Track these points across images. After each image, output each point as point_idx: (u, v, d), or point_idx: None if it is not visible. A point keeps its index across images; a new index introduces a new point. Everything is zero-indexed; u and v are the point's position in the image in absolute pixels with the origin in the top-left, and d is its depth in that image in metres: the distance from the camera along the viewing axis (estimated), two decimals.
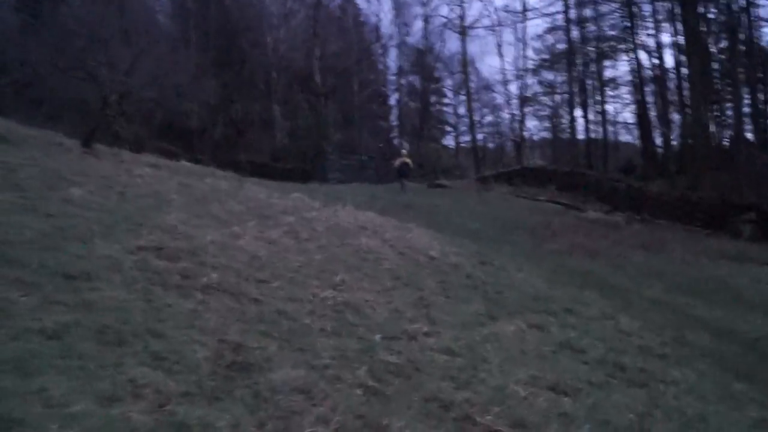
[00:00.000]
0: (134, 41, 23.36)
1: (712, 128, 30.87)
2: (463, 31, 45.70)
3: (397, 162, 25.59)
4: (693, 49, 30.01)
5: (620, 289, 10.56)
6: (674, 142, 36.54)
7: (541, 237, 16.12)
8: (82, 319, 4.40)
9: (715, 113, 32.74)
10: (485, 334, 6.17)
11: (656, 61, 37.20)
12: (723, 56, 33.12)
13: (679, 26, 32.68)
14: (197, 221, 8.59)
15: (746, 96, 31.71)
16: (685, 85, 32.78)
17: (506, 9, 47.66)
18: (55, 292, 4.79)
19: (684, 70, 33.05)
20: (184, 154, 32.01)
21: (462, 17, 45.44)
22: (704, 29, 31.51)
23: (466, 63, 46.72)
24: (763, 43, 33.12)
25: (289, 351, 4.67)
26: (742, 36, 31.31)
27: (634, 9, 37.79)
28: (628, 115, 43.87)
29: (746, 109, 31.61)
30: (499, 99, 51.12)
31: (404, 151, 28.25)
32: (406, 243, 10.41)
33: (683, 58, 33.21)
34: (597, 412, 4.69)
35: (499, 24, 47.21)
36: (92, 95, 20.49)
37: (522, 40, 45.91)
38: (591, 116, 42.10)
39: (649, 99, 39.85)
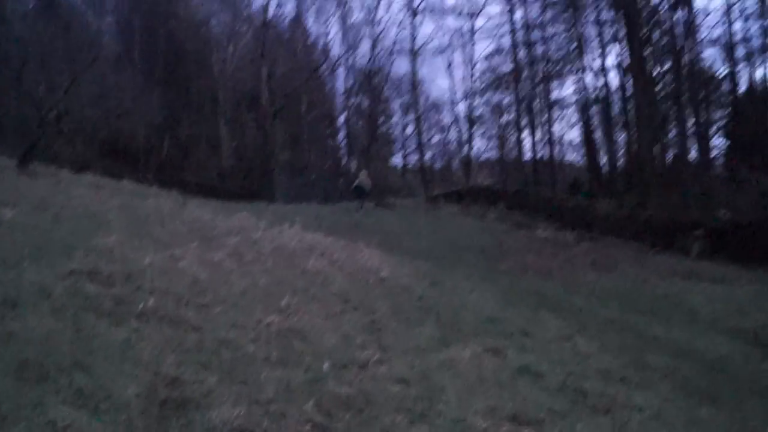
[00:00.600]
0: (77, 60, 22.68)
1: (657, 149, 31.38)
2: (414, 52, 45.82)
3: (356, 183, 25.81)
4: (637, 70, 30.56)
5: (575, 309, 10.41)
6: (619, 162, 37.18)
7: (493, 257, 15.97)
8: (1, 353, 3.99)
9: (660, 134, 33.35)
10: (440, 360, 5.89)
11: (602, 83, 37.90)
12: (666, 78, 33.88)
13: (624, 48, 33.36)
14: (136, 243, 8.16)
15: (690, 117, 32.48)
16: (630, 105, 33.38)
17: (456, 30, 47.78)
18: None
19: (629, 91, 33.68)
20: (129, 174, 31.17)
21: (413, 38, 45.55)
22: (649, 51, 32.15)
23: (415, 83, 46.80)
24: (704, 66, 34.06)
25: (230, 384, 4.31)
26: (685, 58, 32.07)
27: (581, 31, 38.49)
28: (574, 135, 44.61)
29: (691, 130, 32.39)
30: (447, 119, 51.40)
31: (364, 172, 28.08)
32: (356, 264, 10.11)
33: (629, 79, 33.89)
34: None
35: (449, 45, 47.49)
36: (31, 114, 19.80)
37: (470, 62, 46.20)
38: (538, 136, 42.59)
39: (595, 120, 40.63)
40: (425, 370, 5.52)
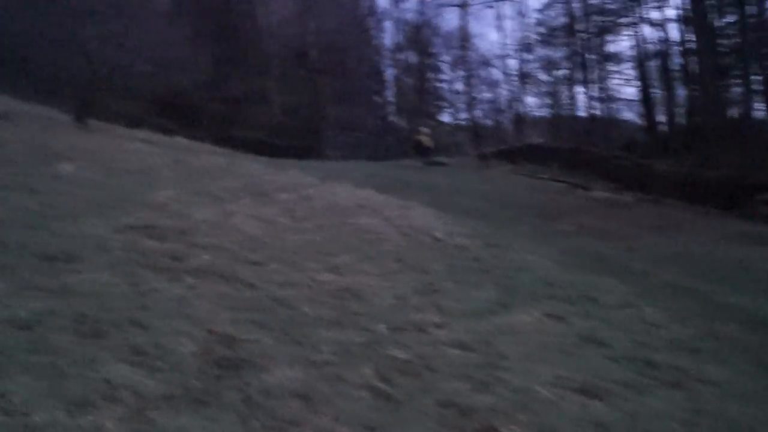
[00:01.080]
0: (127, 14, 22.64)
1: (720, 106, 30.05)
2: (464, 5, 44.79)
3: (418, 140, 26.21)
4: (700, 22, 29.24)
5: (638, 274, 10.01)
6: (678, 120, 35.78)
7: (548, 217, 15.53)
8: (59, 307, 3.94)
9: (723, 90, 31.95)
10: (500, 325, 5.66)
11: (660, 36, 36.33)
12: (730, 31, 32.33)
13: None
14: (190, 198, 8.13)
15: (756, 74, 30.91)
16: (692, 60, 32.03)
17: None
18: (32, 276, 4.34)
19: (690, 45, 32.28)
20: (180, 130, 31.37)
21: None
22: (711, 2, 30.73)
23: (465, 38, 45.81)
24: None
25: (285, 344, 4.17)
26: (751, 9, 30.39)
27: None
28: (630, 92, 43.05)
29: (756, 87, 30.83)
30: (497, 75, 50.25)
31: (425, 129, 27.81)
32: (409, 222, 9.90)
33: (688, 34, 32.47)
34: (636, 421, 4.18)
35: None
36: (84, 69, 19.89)
37: (522, 14, 44.87)
38: (592, 93, 41.27)
39: (652, 75, 39.18)
40: (485, 335, 5.29)
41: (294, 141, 36.95)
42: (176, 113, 36.70)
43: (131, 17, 20.23)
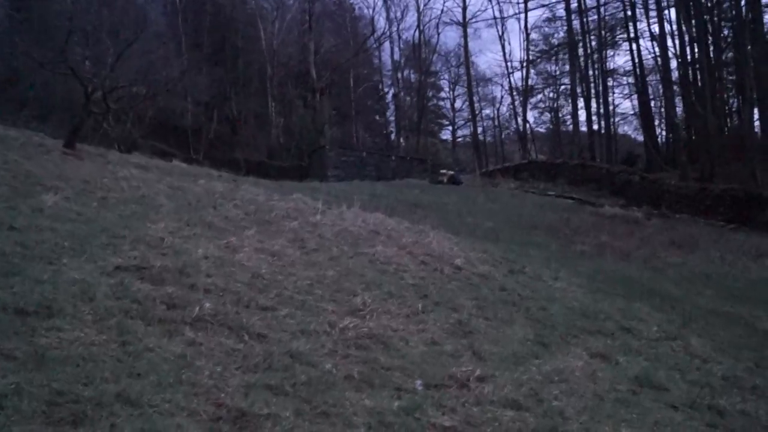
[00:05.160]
0: (122, 35, 22.07)
1: (721, 119, 29.51)
2: (465, 23, 44.40)
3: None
4: (701, 37, 28.78)
5: (670, 298, 9.33)
6: (677, 133, 35.12)
7: (564, 237, 14.87)
8: (30, 382, 3.17)
9: (723, 103, 31.41)
10: (547, 372, 4.95)
11: (660, 50, 35.79)
12: (728, 44, 31.84)
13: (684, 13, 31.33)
14: (188, 231, 7.40)
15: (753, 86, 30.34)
16: (691, 74, 31.49)
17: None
18: (1, 338, 3.60)
19: (689, 58, 31.75)
20: (178, 153, 30.72)
21: (464, 8, 44.08)
22: (711, 15, 30.28)
23: (467, 54, 45.36)
24: None
25: (310, 419, 3.43)
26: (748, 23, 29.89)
27: None
28: (628, 106, 42.57)
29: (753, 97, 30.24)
30: (498, 92, 49.87)
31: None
32: (426, 249, 9.17)
33: (688, 47, 31.96)
34: None
35: (501, 15, 45.86)
36: (76, 92, 19.23)
37: (523, 31, 44.45)
38: (593, 108, 40.74)
39: (652, 89, 38.72)
40: (534, 386, 4.58)
41: (295, 162, 36.40)
42: (173, 136, 36.12)
43: (126, 38, 19.58)
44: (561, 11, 41.93)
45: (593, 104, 40.57)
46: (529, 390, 4.48)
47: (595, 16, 40.29)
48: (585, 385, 4.85)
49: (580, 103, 40.86)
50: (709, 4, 31.17)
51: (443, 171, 29.57)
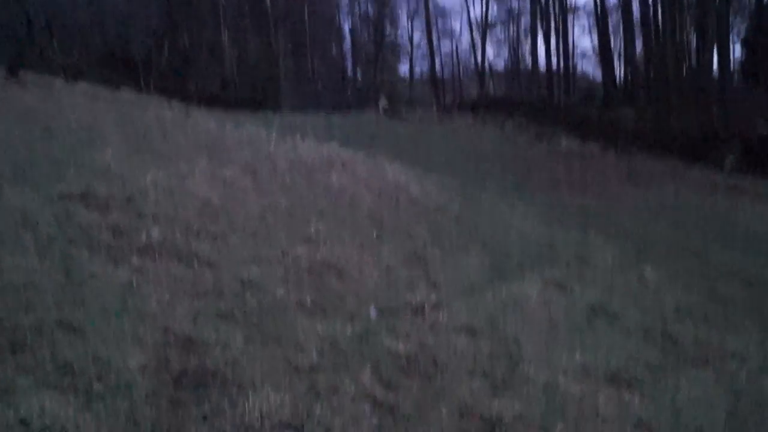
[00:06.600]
0: None
1: (679, 58, 29.71)
2: None
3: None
4: None
5: (625, 229, 9.42)
6: (636, 72, 35.33)
7: (520, 171, 14.86)
8: None
9: (682, 42, 31.58)
10: (502, 299, 4.92)
11: None
12: None
13: None
14: (137, 159, 7.08)
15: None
16: (651, 12, 31.47)
17: None
18: None
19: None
20: (127, 83, 29.71)
21: None
22: None
23: None
24: None
25: (261, 345, 3.31)
26: None
27: None
28: (588, 45, 42.54)
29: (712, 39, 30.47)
30: (457, 26, 49.23)
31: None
32: (381, 180, 9.04)
33: None
34: (681, 416, 3.49)
35: None
36: (19, 18, 18.32)
37: None
38: (553, 45, 40.49)
39: (611, 29, 38.68)
40: (490, 313, 4.55)
41: (249, 94, 35.62)
42: (122, 67, 34.92)
43: None
44: None
45: (552, 41, 40.48)
46: (484, 317, 4.44)
47: None
48: (540, 313, 4.85)
49: (540, 40, 40.66)
50: None
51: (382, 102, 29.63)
